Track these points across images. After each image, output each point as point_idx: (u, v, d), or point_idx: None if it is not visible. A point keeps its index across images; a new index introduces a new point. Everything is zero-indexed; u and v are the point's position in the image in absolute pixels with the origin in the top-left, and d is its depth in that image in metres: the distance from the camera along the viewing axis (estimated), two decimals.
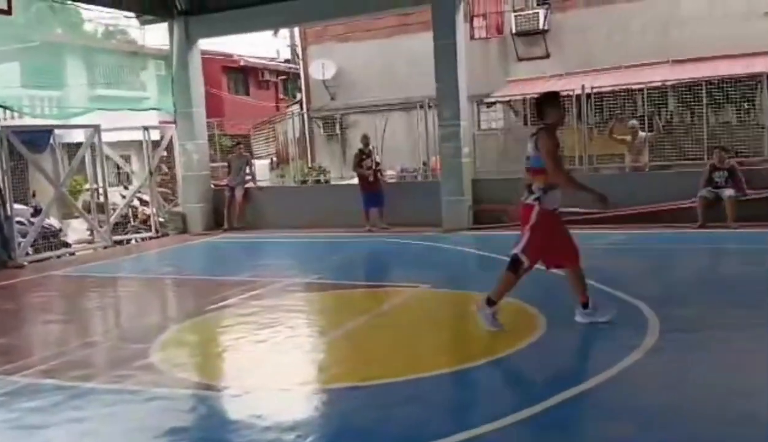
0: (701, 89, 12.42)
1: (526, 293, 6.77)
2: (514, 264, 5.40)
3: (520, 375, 4.75)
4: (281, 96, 28.24)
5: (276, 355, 5.45)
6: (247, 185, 14.07)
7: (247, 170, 14.21)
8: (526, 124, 14.78)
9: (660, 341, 4.99)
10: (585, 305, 5.53)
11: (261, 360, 5.36)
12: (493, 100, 15.71)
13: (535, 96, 6.37)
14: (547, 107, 5.40)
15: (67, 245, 13.12)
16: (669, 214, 10.90)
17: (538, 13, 16.52)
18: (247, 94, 26.93)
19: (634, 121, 12.49)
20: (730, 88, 13.00)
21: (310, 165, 18.74)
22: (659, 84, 13.65)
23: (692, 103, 13.17)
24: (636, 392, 4.17)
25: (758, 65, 13.16)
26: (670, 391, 4.16)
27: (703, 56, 14.71)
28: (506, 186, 12.59)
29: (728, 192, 10.46)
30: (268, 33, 23.76)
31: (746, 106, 13.37)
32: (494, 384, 4.73)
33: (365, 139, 12.90)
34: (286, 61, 27.47)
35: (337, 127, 19.04)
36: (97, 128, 12.87)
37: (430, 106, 13.43)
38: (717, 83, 12.86)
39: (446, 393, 4.38)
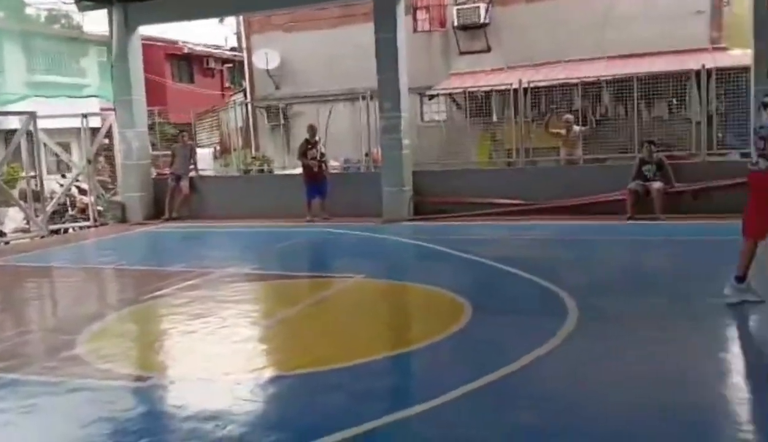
0: (634, 85, 12.83)
1: (454, 282, 7.01)
2: None
3: (443, 362, 4.90)
4: (227, 84, 27.86)
5: (206, 345, 5.49)
6: (191, 174, 13.97)
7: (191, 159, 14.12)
8: (467, 117, 14.99)
9: (577, 331, 5.20)
10: (740, 279, 5.64)
11: (190, 350, 5.40)
12: (435, 92, 15.89)
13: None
14: None
15: (2, 234, 12.80)
16: (601, 206, 11.27)
17: (479, 7, 16.76)
18: (192, 81, 26.50)
19: (568, 116, 12.85)
20: (661, 84, 13.46)
21: (253, 154, 18.65)
22: (594, 79, 14.04)
23: (626, 98, 13.59)
24: (549, 380, 4.35)
25: (689, 62, 13.65)
26: (583, 378, 4.35)
27: (637, 53, 15.18)
28: (448, 177, 12.88)
29: (656, 185, 10.88)
30: (215, 20, 23.48)
31: (676, 102, 13.87)
32: (416, 372, 4.89)
33: (312, 129, 12.93)
34: (233, 49, 27.13)
35: (281, 116, 18.99)
36: (32, 115, 12.57)
37: (372, 98, 13.53)
38: (649, 79, 13.30)
39: (369, 381, 4.49)
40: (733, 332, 5.34)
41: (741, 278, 5.63)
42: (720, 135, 12.53)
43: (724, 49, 15.04)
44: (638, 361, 4.56)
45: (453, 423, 3.77)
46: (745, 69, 10.96)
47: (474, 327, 5.49)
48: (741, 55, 12.91)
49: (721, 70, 12.44)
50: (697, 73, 12.46)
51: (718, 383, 4.14)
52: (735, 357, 4.77)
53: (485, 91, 15.15)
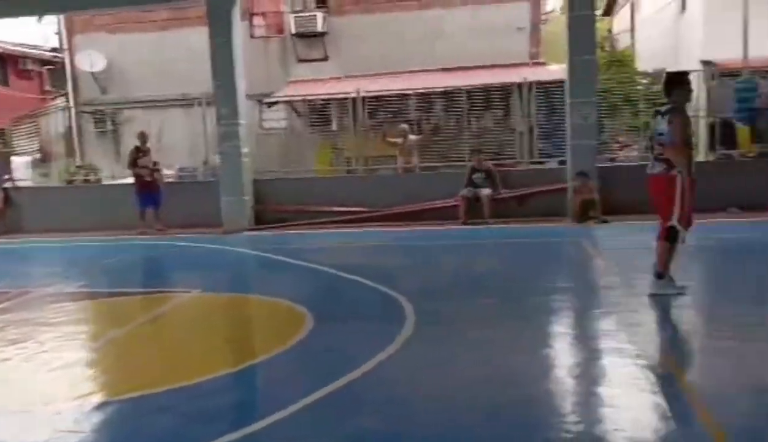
0: (464, 96, 13.49)
1: (295, 292, 6.94)
2: (672, 234, 5.75)
3: (284, 375, 4.80)
4: (47, 87, 25.76)
5: (22, 373, 4.98)
6: (5, 185, 12.79)
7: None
8: (307, 125, 14.99)
9: (415, 335, 5.31)
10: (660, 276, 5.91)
11: (2, 381, 4.88)
12: (274, 99, 15.74)
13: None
14: (675, 87, 5.82)
15: None
16: (437, 212, 11.73)
17: (316, 15, 16.83)
18: (6, 84, 24.21)
19: (403, 125, 13.26)
20: (488, 96, 14.25)
21: (78, 163, 17.40)
22: (428, 90, 14.57)
23: (457, 109, 14.25)
24: (390, 385, 4.40)
25: (512, 75, 14.56)
26: (422, 382, 4.44)
27: (466, 66, 15.96)
28: (289, 185, 12.78)
29: (485, 191, 11.50)
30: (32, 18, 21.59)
31: (501, 113, 14.74)
32: (257, 387, 4.76)
33: (142, 136, 12.38)
34: (54, 49, 25.11)
35: (109, 123, 17.89)
36: None
37: (209, 104, 13.14)
38: (477, 91, 14.02)
39: (207, 400, 4.29)
40: (559, 329, 5.70)
41: (662, 275, 5.89)
42: (540, 144, 13.48)
43: (543, 63, 16.23)
44: (473, 362, 4.73)
45: (293, 437, 3.70)
46: (561, 82, 11.85)
47: (314, 337, 5.45)
48: (557, 70, 13.99)
49: (539, 84, 13.41)
50: (519, 86, 13.35)
51: (548, 380, 4.38)
52: (562, 353, 5.08)
53: (324, 100, 15.24)
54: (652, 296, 5.90)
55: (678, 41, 17.73)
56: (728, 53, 13.42)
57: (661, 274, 5.90)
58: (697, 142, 13.45)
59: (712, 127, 12.60)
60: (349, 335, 5.58)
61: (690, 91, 6.01)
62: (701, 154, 13.32)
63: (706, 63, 14.13)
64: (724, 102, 11.47)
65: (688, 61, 15.12)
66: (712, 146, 12.62)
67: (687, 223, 5.85)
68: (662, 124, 5.82)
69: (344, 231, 11.23)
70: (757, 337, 5.04)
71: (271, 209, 12.26)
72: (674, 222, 5.76)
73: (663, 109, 5.94)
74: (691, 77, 6.24)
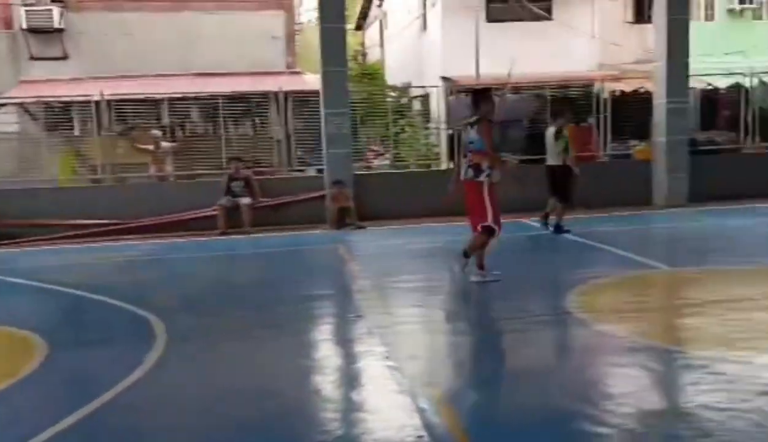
0: (220, 103, 13.19)
1: (26, 318, 6.19)
2: (489, 232, 6.49)
3: (12, 413, 4.22)
4: None
5: None
6: None
7: None
8: (45, 129, 13.54)
9: (166, 354, 5.00)
10: (481, 266, 6.70)
11: None
12: (2, 101, 14.02)
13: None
14: (481, 101, 6.53)
15: None
16: (194, 223, 11.31)
17: (51, 10, 15.34)
18: None
19: (155, 131, 12.60)
20: (246, 104, 14.07)
21: None
22: (182, 95, 14.01)
23: (213, 116, 13.87)
24: (136, 411, 4.09)
25: (269, 84, 14.55)
26: (172, 403, 4.20)
27: (222, 72, 15.63)
28: (22, 197, 11.43)
29: (245, 200, 11.34)
30: None
31: (260, 121, 14.64)
32: None
33: None
34: None
35: None
36: None
37: None
38: (235, 98, 13.78)
39: None
40: (315, 336, 5.75)
41: (467, 254, 6.59)
42: (299, 153, 13.64)
43: (299, 73, 16.46)
44: (228, 376, 4.59)
45: None
46: (317, 92, 12.06)
47: (49, 367, 4.89)
48: (313, 80, 14.26)
49: (296, 93, 13.57)
50: (276, 94, 13.39)
51: (304, 389, 4.35)
52: (318, 360, 5.10)
53: (64, 102, 13.91)
54: (479, 282, 6.62)
55: (421, 58, 19.12)
56: (463, 70, 14.75)
57: (467, 253, 6.62)
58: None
59: (451, 138, 13.71)
60: (90, 361, 5.09)
61: (494, 103, 6.77)
62: (443, 164, 14.48)
63: (444, 79, 15.40)
64: (460, 115, 12.54)
65: (430, 77, 16.37)
66: (451, 155, 13.72)
67: (497, 222, 6.56)
68: (472, 134, 6.53)
69: (89, 246, 10.34)
70: (466, 332, 5.54)
71: (6, 223, 10.91)
72: (489, 221, 6.45)
73: (472, 120, 6.63)
74: (432, 92, 6.97)
